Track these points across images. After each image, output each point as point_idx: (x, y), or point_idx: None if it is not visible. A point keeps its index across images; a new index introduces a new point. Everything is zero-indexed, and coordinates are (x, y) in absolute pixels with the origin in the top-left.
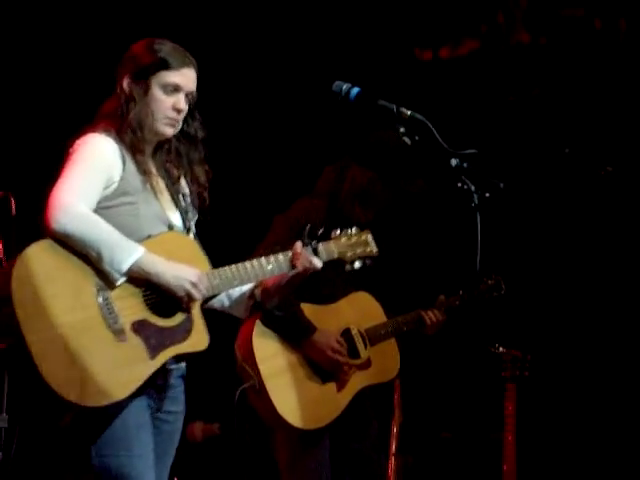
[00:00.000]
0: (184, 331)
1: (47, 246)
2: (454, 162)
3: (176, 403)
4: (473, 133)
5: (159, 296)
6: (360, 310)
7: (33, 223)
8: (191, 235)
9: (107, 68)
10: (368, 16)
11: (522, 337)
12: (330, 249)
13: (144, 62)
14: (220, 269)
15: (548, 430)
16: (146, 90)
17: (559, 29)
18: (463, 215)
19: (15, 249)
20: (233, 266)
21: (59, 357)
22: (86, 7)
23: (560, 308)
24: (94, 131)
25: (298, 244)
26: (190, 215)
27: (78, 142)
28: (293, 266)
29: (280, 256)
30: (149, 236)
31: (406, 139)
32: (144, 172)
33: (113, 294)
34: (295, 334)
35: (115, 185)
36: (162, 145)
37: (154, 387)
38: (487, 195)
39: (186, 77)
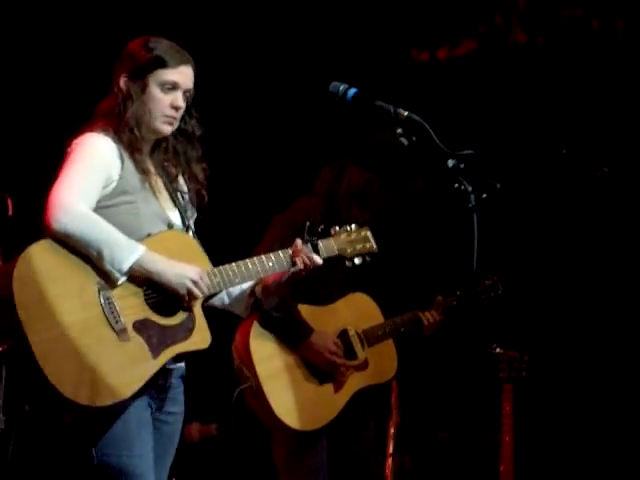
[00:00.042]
0: (186, 330)
1: (47, 246)
2: (451, 163)
3: (176, 404)
4: (470, 134)
5: (160, 295)
6: (357, 311)
7: (30, 223)
8: (190, 233)
9: (103, 67)
10: (365, 17)
11: (519, 338)
12: (330, 246)
13: (141, 60)
14: (221, 267)
15: (545, 431)
16: (143, 88)
17: (556, 30)
18: (460, 216)
19: (12, 250)
20: (234, 264)
21: (63, 357)
22: (81, 9)
23: (557, 309)
24: (92, 130)
25: (298, 241)
26: (189, 213)
27: (76, 141)
28: (293, 263)
29: (280, 253)
30: (149, 235)
31: (403, 140)
32: (143, 171)
33: (114, 293)
34: (292, 336)
35: (114, 184)
36: (160, 143)
37: (155, 387)
38: (484, 196)
39: (184, 75)
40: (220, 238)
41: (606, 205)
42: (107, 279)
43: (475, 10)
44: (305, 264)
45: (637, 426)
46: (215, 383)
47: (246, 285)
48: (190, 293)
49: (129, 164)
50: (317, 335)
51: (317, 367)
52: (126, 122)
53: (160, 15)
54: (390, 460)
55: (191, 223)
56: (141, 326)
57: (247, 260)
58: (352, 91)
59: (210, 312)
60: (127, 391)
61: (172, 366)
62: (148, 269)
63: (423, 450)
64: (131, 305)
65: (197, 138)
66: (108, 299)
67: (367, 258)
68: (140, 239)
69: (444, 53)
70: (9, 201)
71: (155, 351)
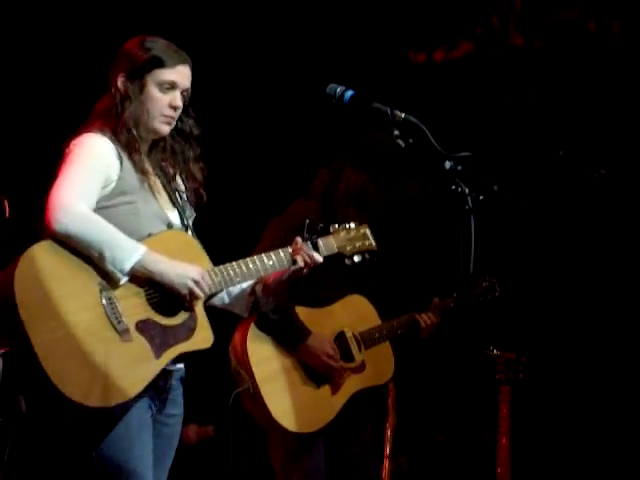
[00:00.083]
0: (188, 329)
1: (49, 247)
2: (448, 165)
3: (176, 406)
4: (467, 136)
5: (162, 295)
6: (355, 313)
7: (27, 225)
8: (190, 233)
9: (98, 68)
10: (362, 18)
11: (516, 339)
12: (330, 243)
13: (139, 60)
14: (221, 266)
15: (542, 432)
16: (141, 88)
17: (553, 32)
18: (457, 218)
19: (9, 252)
20: (234, 263)
21: (65, 358)
22: (76, 10)
23: (554, 310)
24: (89, 131)
25: (298, 239)
26: (188, 213)
27: (74, 142)
28: (294, 261)
29: (281, 252)
30: (149, 235)
31: (400, 142)
32: (141, 171)
33: (116, 294)
34: (289, 338)
35: (113, 185)
36: (157, 143)
37: (155, 389)
38: (481, 198)
39: (181, 74)
40: (218, 239)
41: (603, 207)
42: (109, 280)
43: (472, 12)
44: (306, 262)
45: (634, 427)
46: (212, 385)
47: (246, 284)
48: (192, 293)
49: (128, 164)
50: (314, 337)
51: (314, 369)
52: (124, 122)
53: (156, 15)
54: (387, 462)
55: (190, 223)
56: (143, 326)
57: (247, 259)
58: (349, 93)
59: (207, 314)
60: (131, 392)
61: (172, 367)
62: (150, 269)
63: (420, 452)
64: (133, 305)
65: (194, 137)
66: (110, 299)
67: (366, 255)
68: (140, 239)
69: (441, 55)
70: (5, 203)
71: (158, 351)
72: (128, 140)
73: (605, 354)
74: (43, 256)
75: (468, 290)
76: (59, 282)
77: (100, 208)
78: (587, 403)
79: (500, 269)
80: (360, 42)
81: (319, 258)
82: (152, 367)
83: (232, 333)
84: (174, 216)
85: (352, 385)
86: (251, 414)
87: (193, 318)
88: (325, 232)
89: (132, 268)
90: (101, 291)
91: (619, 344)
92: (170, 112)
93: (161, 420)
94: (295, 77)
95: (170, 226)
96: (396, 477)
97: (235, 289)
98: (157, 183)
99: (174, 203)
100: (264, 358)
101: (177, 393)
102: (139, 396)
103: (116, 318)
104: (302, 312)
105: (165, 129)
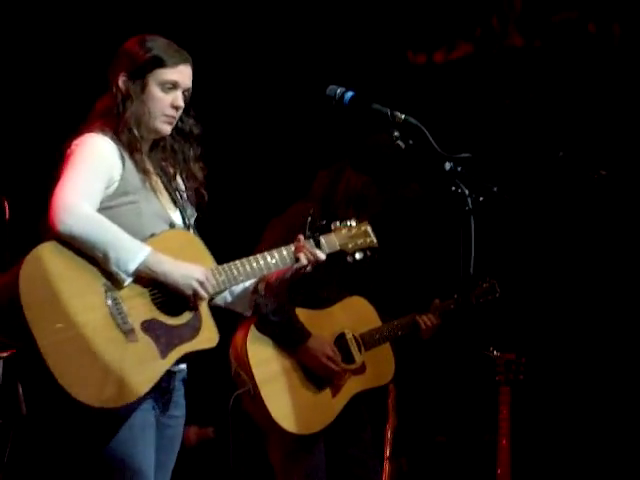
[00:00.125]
0: (193, 329)
1: (53, 248)
2: (448, 166)
3: (178, 407)
4: (467, 137)
5: (166, 295)
6: (355, 314)
7: (27, 227)
8: (192, 232)
9: (97, 69)
10: (362, 20)
11: (516, 340)
12: (332, 241)
13: (140, 60)
14: (225, 265)
15: (542, 433)
16: (143, 88)
17: (553, 33)
18: (457, 219)
19: (9, 253)
20: (237, 262)
21: (72, 359)
22: (72, 12)
23: (555, 311)
24: (90, 131)
25: (300, 237)
26: (189, 212)
27: (76, 142)
28: (297, 259)
29: (283, 250)
30: (152, 235)
31: (400, 143)
32: (143, 171)
33: (121, 294)
34: (289, 340)
35: (116, 185)
36: (157, 143)
37: (159, 389)
38: (481, 199)
39: (183, 74)
40: (218, 241)
41: (603, 208)
42: (113, 280)
43: (472, 13)
44: (309, 259)
45: (635, 428)
46: (212, 387)
47: (249, 283)
48: (196, 293)
49: (130, 164)
50: (314, 339)
51: (314, 371)
52: (125, 122)
53: (154, 15)
54: (387, 463)
55: (192, 222)
56: (149, 326)
57: (250, 257)
58: (349, 94)
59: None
60: (138, 392)
61: (175, 368)
62: (154, 270)
63: (420, 453)
64: (138, 305)
65: (195, 137)
66: (115, 300)
67: (368, 253)
68: (143, 239)
69: (441, 56)
70: (5, 204)
71: (163, 351)
72: (129, 140)
73: (605, 355)
74: (48, 257)
75: (468, 291)
76: (64, 283)
77: (103, 209)
78: (587, 404)
79: (500, 270)
80: (360, 43)
81: (322, 255)
82: (158, 367)
83: (232, 334)
84: (176, 216)
85: (352, 387)
86: (251, 415)
87: (198, 318)
88: (326, 230)
89: (137, 269)
90: (106, 292)
91: (619, 345)
92: (172, 112)
93: (164, 422)
94: (295, 78)
95: (172, 226)
96: (396, 478)
97: (237, 288)
98: (158, 183)
99: (175, 203)
100: (264, 360)
101: (179, 394)
102: (143, 397)
103: (121, 318)
104: (302, 314)
105: (167, 129)
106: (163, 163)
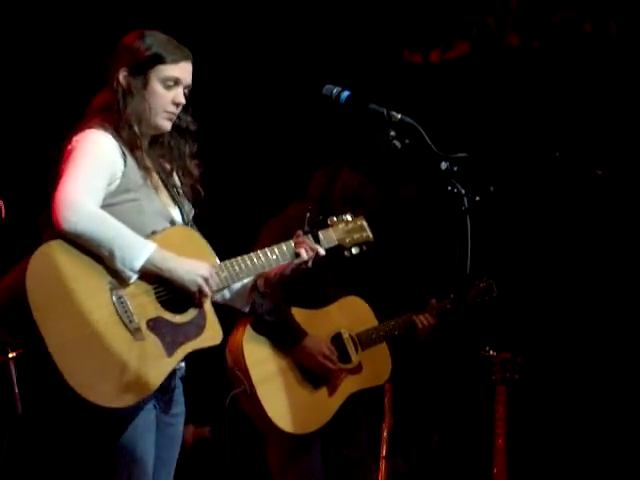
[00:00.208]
0: (197, 327)
1: (58, 246)
2: (444, 165)
3: (178, 405)
4: (463, 136)
5: (171, 292)
6: (351, 314)
7: (22, 227)
8: (192, 228)
9: (93, 68)
10: (358, 19)
11: (512, 340)
12: (330, 236)
13: (142, 55)
14: (226, 262)
15: (538, 432)
16: (145, 84)
17: (549, 32)
18: (453, 219)
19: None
20: (239, 258)
21: (81, 359)
22: (69, 13)
23: (551, 311)
24: (90, 127)
25: (299, 232)
26: (187, 209)
27: (76, 138)
28: (297, 254)
29: (283, 245)
30: (153, 232)
31: (396, 143)
32: (144, 168)
33: (126, 292)
34: (286, 339)
35: (117, 182)
36: (156, 139)
37: (161, 388)
38: (477, 198)
39: (185, 71)
40: (215, 241)
41: (600, 208)
42: (118, 278)
43: (468, 12)
44: (309, 255)
45: (632, 426)
46: (208, 386)
47: (247, 279)
48: (200, 290)
49: (131, 161)
50: (310, 339)
51: (311, 370)
52: (126, 118)
53: (150, 12)
54: (383, 463)
55: (190, 218)
56: (154, 324)
57: (251, 254)
58: (345, 94)
59: None
60: (146, 392)
61: (176, 367)
62: (159, 266)
63: (417, 452)
64: (143, 303)
65: (191, 134)
66: (120, 298)
67: (364, 247)
68: (144, 237)
69: (437, 55)
70: (1, 204)
71: (169, 349)
72: (130, 136)
73: (602, 354)
74: (53, 256)
75: (465, 291)
76: (71, 282)
77: (104, 206)
78: (583, 403)
79: (496, 270)
80: (356, 43)
81: (322, 250)
82: (165, 366)
83: (229, 333)
84: (176, 213)
85: (349, 386)
86: (248, 415)
87: (202, 315)
88: (324, 225)
89: (142, 266)
90: (111, 290)
91: (616, 344)
92: (172, 108)
93: (165, 420)
94: (291, 78)
95: (173, 223)
96: (392, 478)
97: (236, 284)
98: (157, 180)
99: (174, 199)
100: (260, 359)
101: (178, 392)
102: (149, 396)
103: (127, 317)
104: (298, 313)
105: (167, 125)
106: (161, 159)
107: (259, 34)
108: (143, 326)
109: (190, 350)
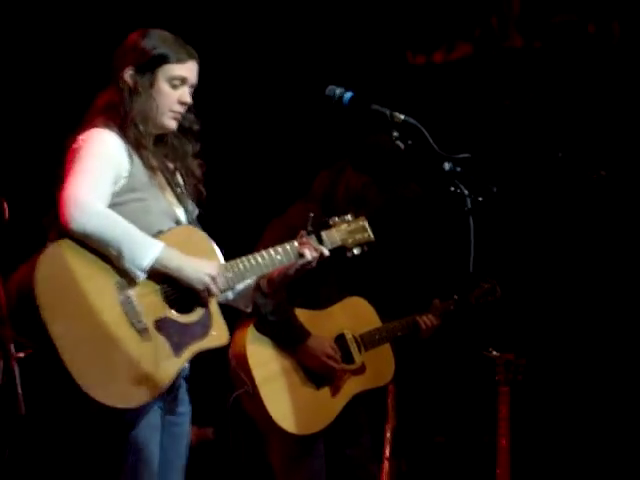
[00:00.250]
0: (204, 327)
1: (66, 246)
2: (447, 166)
3: (183, 404)
4: (466, 137)
5: (178, 291)
6: (355, 315)
7: (26, 228)
8: (197, 227)
9: (95, 69)
10: (361, 20)
11: (516, 340)
12: (333, 236)
13: (148, 54)
14: (232, 262)
15: (542, 434)
16: (152, 83)
17: (552, 33)
18: (457, 219)
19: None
20: (244, 258)
21: (90, 360)
22: (68, 13)
23: (554, 312)
24: (95, 126)
25: (303, 232)
26: (190, 208)
27: (82, 137)
28: (301, 255)
29: (287, 245)
30: (159, 232)
31: (399, 143)
32: (150, 167)
33: (133, 292)
34: (289, 340)
35: (123, 181)
36: (160, 139)
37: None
38: (480, 199)
39: (191, 70)
40: (218, 241)
41: (603, 208)
42: (126, 277)
43: (471, 13)
44: (313, 255)
45: (634, 428)
46: (211, 387)
47: (250, 279)
48: (208, 289)
49: (137, 160)
50: (314, 339)
51: (314, 371)
52: (132, 118)
53: (152, 12)
54: (386, 464)
55: (194, 218)
56: (162, 325)
57: (256, 254)
58: (348, 95)
59: None
60: (155, 392)
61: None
62: (167, 265)
63: (420, 453)
64: (150, 303)
65: (194, 133)
66: (128, 298)
67: (365, 248)
68: (152, 236)
69: (440, 56)
70: (5, 205)
71: (176, 349)
72: (136, 136)
73: (605, 355)
74: (61, 256)
75: (468, 292)
76: (79, 282)
77: (110, 205)
78: (587, 404)
79: (499, 270)
80: (359, 44)
81: (325, 251)
82: (173, 365)
83: (232, 334)
84: (180, 212)
85: (352, 387)
86: (251, 416)
87: (208, 316)
88: (326, 225)
89: (150, 265)
90: (119, 290)
91: (619, 345)
92: (179, 108)
93: (171, 420)
94: (295, 78)
95: (178, 222)
96: (396, 479)
97: (239, 285)
98: (162, 179)
99: (178, 199)
100: (263, 360)
101: (183, 391)
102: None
103: (135, 317)
104: (301, 314)
105: (173, 125)
106: (164, 159)
107: (263, 35)
108: (151, 326)
109: (197, 350)
